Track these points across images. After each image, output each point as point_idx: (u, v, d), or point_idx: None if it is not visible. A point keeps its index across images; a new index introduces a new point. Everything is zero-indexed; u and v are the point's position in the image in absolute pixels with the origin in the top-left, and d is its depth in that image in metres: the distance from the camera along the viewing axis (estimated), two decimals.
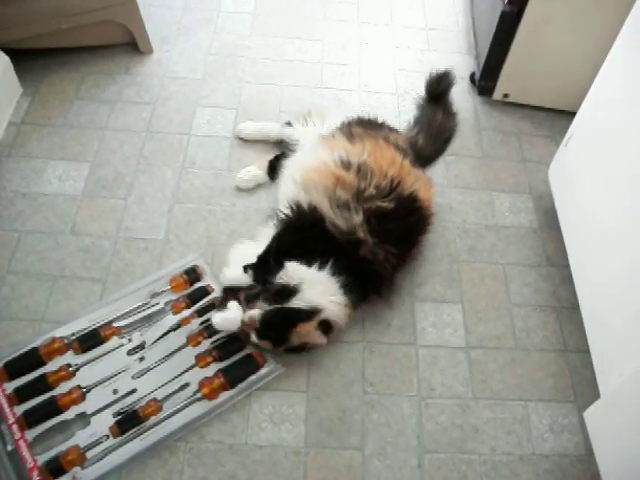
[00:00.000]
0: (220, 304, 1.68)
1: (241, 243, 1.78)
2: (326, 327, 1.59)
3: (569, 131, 1.85)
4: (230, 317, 1.60)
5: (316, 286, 1.59)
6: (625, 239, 1.47)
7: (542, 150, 2.24)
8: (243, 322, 1.58)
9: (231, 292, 1.67)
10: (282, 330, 1.56)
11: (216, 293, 1.74)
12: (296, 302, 1.57)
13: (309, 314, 1.56)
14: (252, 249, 1.69)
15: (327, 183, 1.70)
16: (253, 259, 1.66)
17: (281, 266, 1.60)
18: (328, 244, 1.63)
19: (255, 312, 1.57)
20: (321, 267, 1.61)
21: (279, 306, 1.57)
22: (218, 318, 1.60)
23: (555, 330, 1.81)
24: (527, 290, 1.88)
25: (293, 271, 1.60)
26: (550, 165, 1.98)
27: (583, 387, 1.70)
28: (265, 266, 1.62)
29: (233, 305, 1.61)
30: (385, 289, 1.76)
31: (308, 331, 1.56)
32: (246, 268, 1.65)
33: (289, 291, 1.58)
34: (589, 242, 1.68)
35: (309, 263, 1.61)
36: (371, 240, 1.64)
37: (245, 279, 1.65)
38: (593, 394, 1.56)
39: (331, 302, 1.60)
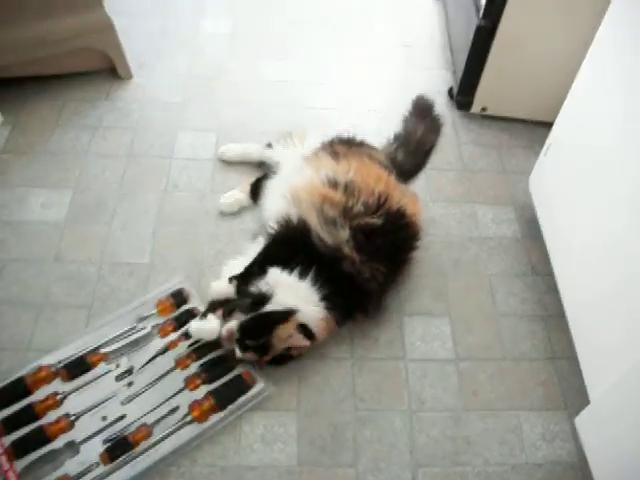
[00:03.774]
0: (202, 315, 1.68)
1: (234, 259, 1.78)
2: (307, 332, 1.59)
3: (547, 141, 1.87)
4: (206, 326, 1.63)
5: (290, 290, 1.60)
6: (608, 246, 1.49)
7: (522, 161, 2.26)
8: (223, 338, 1.59)
9: (217, 306, 1.67)
10: (262, 336, 1.55)
11: None
12: (270, 306, 1.58)
13: (285, 315, 1.57)
14: (244, 265, 1.71)
15: (315, 202, 1.71)
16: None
17: (264, 273, 1.62)
18: (312, 255, 1.64)
19: (232, 323, 1.58)
20: (302, 275, 1.62)
21: (254, 313, 1.58)
22: (194, 326, 1.64)
23: (543, 338, 1.81)
24: (513, 300, 1.89)
25: (273, 277, 1.61)
26: (530, 175, 2.00)
27: (573, 394, 1.70)
28: (250, 276, 1.64)
29: (212, 316, 1.64)
30: (372, 307, 1.76)
31: (288, 333, 1.56)
32: (231, 279, 1.66)
33: (263, 298, 1.59)
34: (572, 250, 1.70)
35: (291, 271, 1.62)
36: (357, 257, 1.65)
37: (231, 290, 1.66)
38: (583, 400, 1.56)
39: (307, 306, 1.60)
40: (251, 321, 1.57)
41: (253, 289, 1.62)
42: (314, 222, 1.67)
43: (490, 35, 2.10)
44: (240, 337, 1.57)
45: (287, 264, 1.63)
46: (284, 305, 1.58)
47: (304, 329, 1.58)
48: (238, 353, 1.58)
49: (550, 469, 1.58)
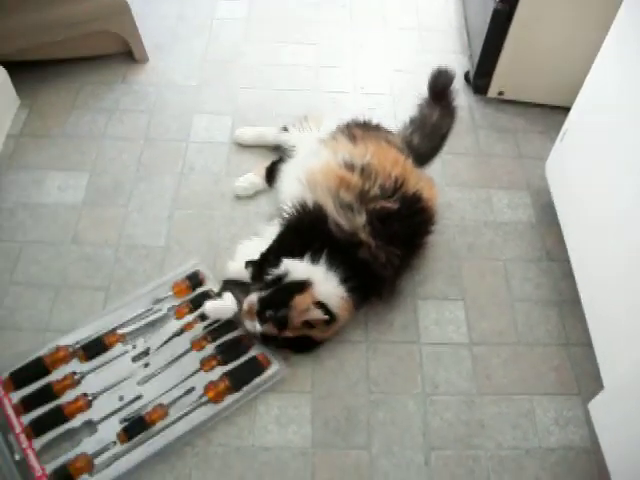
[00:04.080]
0: (217, 295, 1.70)
1: (249, 240, 1.80)
2: (326, 309, 1.59)
3: (564, 126, 1.86)
4: (221, 305, 1.65)
5: (306, 274, 1.61)
6: (624, 231, 1.48)
7: (538, 146, 2.25)
8: (244, 311, 1.60)
9: (230, 285, 1.70)
10: (280, 306, 1.56)
11: None
12: (287, 279, 1.60)
13: (301, 285, 1.58)
14: (260, 246, 1.71)
15: (331, 185, 1.71)
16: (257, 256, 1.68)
17: (278, 264, 1.62)
18: (328, 241, 1.65)
19: (253, 296, 1.59)
20: (315, 261, 1.63)
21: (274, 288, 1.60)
22: (209, 306, 1.65)
23: (557, 324, 1.81)
24: (528, 285, 1.89)
25: (288, 267, 1.61)
26: (547, 160, 1.99)
27: (587, 379, 1.70)
28: (264, 264, 1.65)
29: (227, 295, 1.66)
30: (386, 291, 1.77)
31: (306, 306, 1.56)
32: (247, 264, 1.67)
33: (280, 277, 1.60)
34: (588, 235, 1.69)
35: (303, 258, 1.63)
36: (373, 243, 1.65)
37: (246, 274, 1.67)
38: (597, 386, 1.56)
39: (325, 286, 1.61)
40: (270, 294, 1.58)
41: (268, 277, 1.62)
42: (330, 207, 1.67)
43: (507, 18, 2.08)
44: (260, 309, 1.57)
45: (302, 253, 1.63)
46: (299, 278, 1.60)
47: (322, 306, 1.58)
48: (258, 327, 1.58)
49: (563, 454, 1.59)
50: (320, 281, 1.60)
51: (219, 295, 1.69)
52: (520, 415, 1.64)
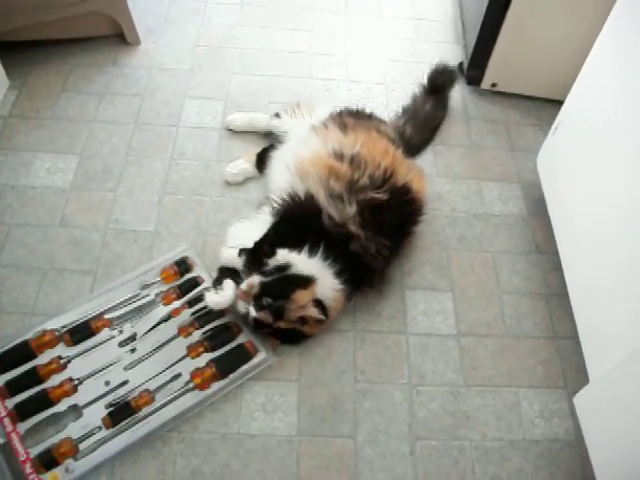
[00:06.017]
0: (215, 282, 1.68)
1: (241, 222, 1.78)
2: (322, 308, 1.59)
3: (557, 120, 1.86)
4: (222, 298, 1.62)
5: (304, 266, 1.60)
6: (613, 226, 1.49)
7: (530, 139, 2.25)
8: (242, 291, 1.58)
9: (226, 272, 1.69)
10: (280, 297, 1.55)
11: (207, 284, 1.73)
12: (292, 271, 1.59)
13: (305, 280, 1.57)
14: (251, 229, 1.70)
15: (321, 174, 1.70)
16: (249, 239, 1.67)
17: (273, 254, 1.61)
18: (320, 233, 1.64)
19: (255, 278, 1.58)
20: (312, 253, 1.61)
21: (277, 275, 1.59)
22: (210, 300, 1.63)
23: (545, 317, 1.82)
24: (517, 278, 1.89)
25: (284, 258, 1.60)
26: (538, 154, 1.98)
27: (573, 373, 1.71)
28: (258, 253, 1.64)
29: (228, 283, 1.64)
30: (377, 281, 1.76)
31: (304, 302, 1.56)
32: (241, 252, 1.66)
33: (284, 267, 1.59)
34: (578, 229, 1.69)
35: (300, 250, 1.62)
36: (362, 234, 1.65)
37: (239, 262, 1.66)
38: (583, 380, 1.57)
39: (324, 280, 1.60)
40: (273, 281, 1.57)
41: (266, 266, 1.61)
42: (322, 198, 1.66)
43: (503, 10, 2.07)
44: (259, 294, 1.56)
45: (296, 244, 1.62)
46: (304, 272, 1.59)
47: (319, 305, 1.58)
48: (252, 312, 1.57)
49: (547, 446, 1.60)
50: (321, 277, 1.60)
51: (219, 282, 1.66)
52: (505, 407, 1.65)
